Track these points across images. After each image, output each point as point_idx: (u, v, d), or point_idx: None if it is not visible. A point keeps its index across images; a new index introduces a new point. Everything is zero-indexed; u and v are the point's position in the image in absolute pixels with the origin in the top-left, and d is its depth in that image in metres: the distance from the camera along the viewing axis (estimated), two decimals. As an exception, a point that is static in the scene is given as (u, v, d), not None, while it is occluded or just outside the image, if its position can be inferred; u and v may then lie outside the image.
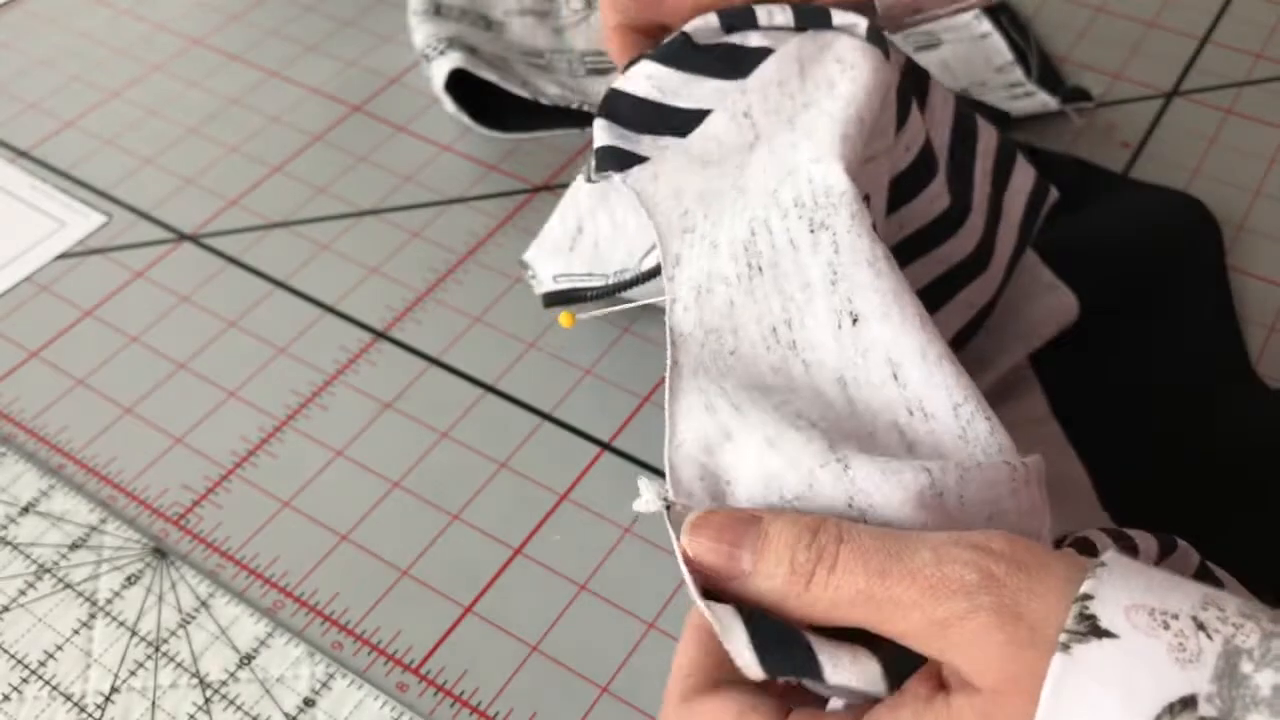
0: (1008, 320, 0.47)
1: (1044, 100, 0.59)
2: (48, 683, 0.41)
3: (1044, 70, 0.61)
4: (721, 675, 0.28)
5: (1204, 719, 0.21)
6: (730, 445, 0.31)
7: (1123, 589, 0.24)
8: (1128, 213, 0.54)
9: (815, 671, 0.27)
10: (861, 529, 0.27)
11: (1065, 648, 0.23)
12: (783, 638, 0.28)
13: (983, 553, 0.25)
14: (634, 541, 0.44)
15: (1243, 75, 0.62)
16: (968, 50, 0.63)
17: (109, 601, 0.43)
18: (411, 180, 0.58)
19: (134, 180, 0.59)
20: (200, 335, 0.52)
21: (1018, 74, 0.61)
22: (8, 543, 0.44)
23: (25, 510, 0.45)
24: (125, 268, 0.55)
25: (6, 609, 0.43)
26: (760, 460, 0.30)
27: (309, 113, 0.62)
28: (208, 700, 0.40)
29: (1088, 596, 0.23)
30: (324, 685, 0.40)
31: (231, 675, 0.41)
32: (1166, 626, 0.23)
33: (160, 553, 0.44)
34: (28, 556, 0.44)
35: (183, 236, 0.56)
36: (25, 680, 0.41)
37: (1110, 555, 0.25)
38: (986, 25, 0.64)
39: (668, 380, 0.33)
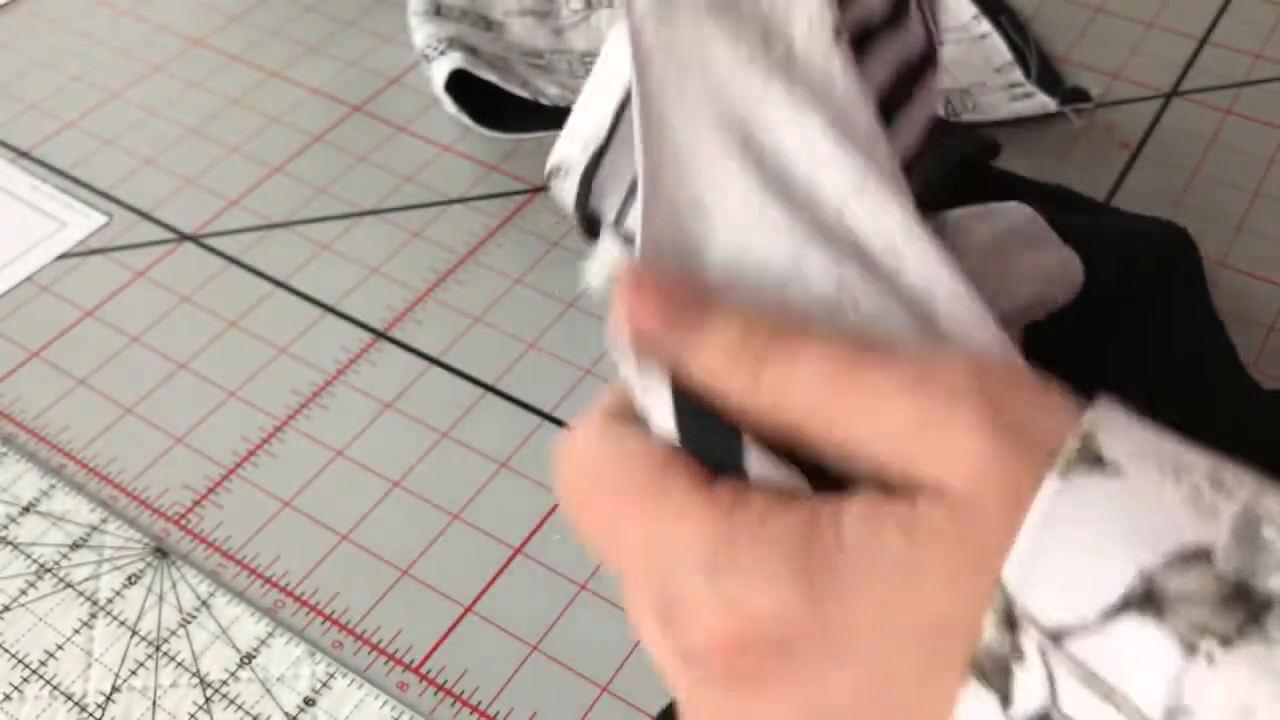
0: (1007, 268, 0.44)
1: (1043, 101, 0.59)
2: (48, 682, 0.41)
3: (1043, 71, 0.61)
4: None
5: (1221, 574, 0.18)
6: (704, 209, 0.27)
7: (1129, 432, 0.20)
8: (1108, 228, 0.54)
9: (736, 457, 0.23)
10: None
11: (1063, 473, 0.19)
12: (709, 415, 0.24)
13: (979, 360, 0.22)
14: (634, 541, 0.44)
15: (1242, 75, 0.62)
16: (967, 51, 0.63)
17: (110, 601, 0.43)
18: (412, 180, 0.58)
19: (135, 180, 0.59)
20: (201, 335, 0.52)
21: (1017, 74, 0.61)
22: (8, 542, 0.44)
23: (26, 510, 0.45)
24: (126, 268, 0.55)
25: (7, 608, 0.43)
26: (739, 229, 0.26)
27: (309, 113, 0.62)
28: (208, 700, 0.40)
29: (1090, 432, 0.20)
30: (324, 685, 0.40)
31: (232, 675, 0.41)
32: (1178, 478, 0.19)
33: (161, 552, 0.44)
34: (28, 556, 0.44)
35: (183, 237, 0.56)
36: (26, 680, 0.41)
37: (1111, 404, 0.21)
38: (986, 25, 0.64)
39: (635, 105, 0.28)
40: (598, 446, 0.24)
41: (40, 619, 0.42)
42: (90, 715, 0.40)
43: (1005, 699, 0.19)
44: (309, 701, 0.40)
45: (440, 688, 0.40)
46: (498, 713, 0.40)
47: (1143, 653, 0.18)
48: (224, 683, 0.40)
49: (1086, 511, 0.19)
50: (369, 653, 0.41)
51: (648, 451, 0.23)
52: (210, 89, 0.64)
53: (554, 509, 0.45)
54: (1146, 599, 0.18)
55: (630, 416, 0.24)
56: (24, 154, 0.61)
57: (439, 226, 0.56)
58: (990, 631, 0.19)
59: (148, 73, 0.65)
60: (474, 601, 0.43)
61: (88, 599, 0.43)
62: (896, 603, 0.20)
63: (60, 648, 0.42)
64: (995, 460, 0.20)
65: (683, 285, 0.24)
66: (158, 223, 0.57)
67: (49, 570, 0.44)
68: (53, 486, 0.46)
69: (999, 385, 0.21)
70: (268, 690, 0.40)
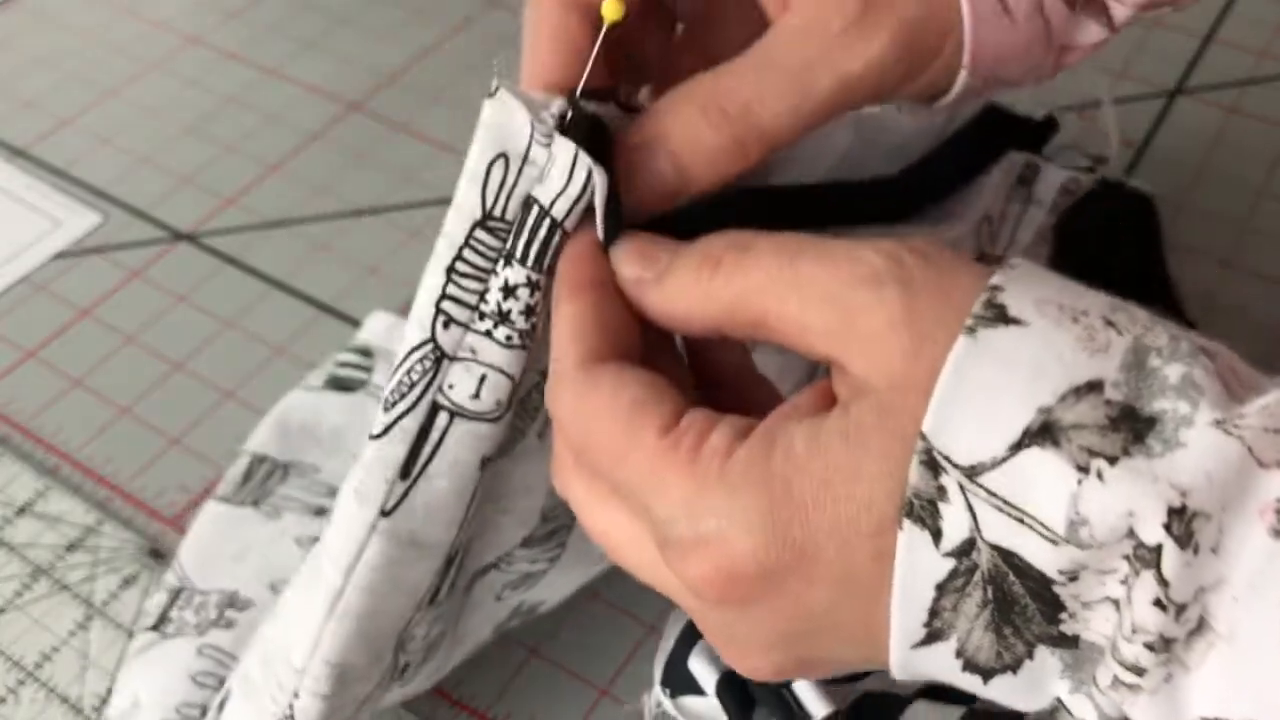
0: None
1: None
2: (44, 684, 0.41)
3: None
4: (619, 347, 0.27)
5: (1110, 401, 0.21)
6: None
7: (1032, 285, 0.23)
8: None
9: None
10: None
11: (971, 331, 0.22)
12: None
13: (896, 244, 0.25)
14: (634, 543, 0.44)
15: (1246, 73, 0.62)
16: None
17: (105, 603, 0.42)
18: (410, 179, 0.58)
19: (131, 179, 0.59)
20: (197, 335, 0.52)
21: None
22: (4, 544, 0.44)
23: (21, 511, 0.45)
24: (122, 267, 0.55)
25: (3, 611, 0.42)
26: None
27: (307, 111, 0.62)
28: (205, 703, 0.40)
29: (997, 288, 0.23)
30: (322, 688, 0.40)
31: (229, 678, 0.40)
32: (1076, 320, 0.23)
33: (157, 554, 0.44)
34: (24, 558, 0.44)
35: (180, 236, 0.56)
36: (22, 682, 0.41)
37: (1019, 259, 0.25)
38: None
39: None
40: (573, 404, 0.27)
41: (36, 621, 0.42)
42: (86, 718, 0.40)
43: (936, 535, 0.22)
44: (306, 705, 0.40)
45: (440, 691, 0.40)
46: (497, 716, 0.40)
47: (1044, 478, 0.21)
48: (221, 686, 0.40)
49: (990, 362, 0.22)
50: (367, 656, 0.41)
51: (613, 407, 0.26)
52: (207, 87, 0.64)
53: (554, 510, 0.45)
54: (1044, 431, 0.21)
55: (602, 354, 0.27)
56: (20, 152, 0.60)
57: (437, 226, 0.56)
58: (915, 475, 0.22)
59: (144, 70, 0.65)
60: (473, 604, 0.42)
61: (83, 601, 0.43)
62: (845, 502, 0.23)
63: (56, 650, 0.41)
64: (911, 344, 0.23)
65: (653, 240, 0.28)
66: (154, 222, 0.57)
67: (44, 572, 0.43)
68: (48, 488, 0.46)
69: (912, 265, 0.24)
70: (265, 693, 0.40)
